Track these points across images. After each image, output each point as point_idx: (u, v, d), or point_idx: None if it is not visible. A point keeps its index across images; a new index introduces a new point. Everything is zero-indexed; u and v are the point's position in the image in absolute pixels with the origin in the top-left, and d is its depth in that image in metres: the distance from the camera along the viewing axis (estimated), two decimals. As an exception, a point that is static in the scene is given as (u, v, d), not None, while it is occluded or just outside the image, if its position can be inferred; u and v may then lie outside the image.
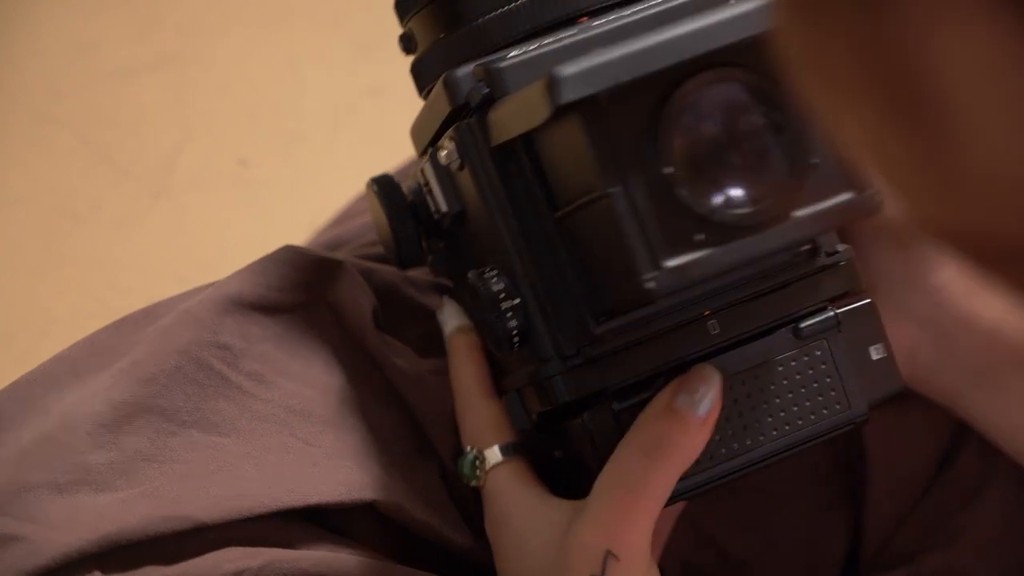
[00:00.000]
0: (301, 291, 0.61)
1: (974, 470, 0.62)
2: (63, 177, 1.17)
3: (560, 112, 0.45)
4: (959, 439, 0.62)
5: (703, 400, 0.51)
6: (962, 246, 0.26)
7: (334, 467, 0.58)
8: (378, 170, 0.85)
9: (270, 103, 1.24)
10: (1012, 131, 0.23)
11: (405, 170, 0.76)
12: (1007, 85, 0.22)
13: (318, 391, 0.59)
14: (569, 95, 0.45)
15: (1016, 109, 0.23)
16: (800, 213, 0.47)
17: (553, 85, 0.45)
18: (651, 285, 0.45)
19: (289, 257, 0.62)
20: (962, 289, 0.58)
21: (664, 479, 0.51)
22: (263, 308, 0.60)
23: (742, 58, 0.47)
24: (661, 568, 0.55)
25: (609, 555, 0.50)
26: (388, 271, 0.65)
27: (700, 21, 0.45)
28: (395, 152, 0.84)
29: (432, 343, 0.62)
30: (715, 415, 0.51)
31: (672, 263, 0.45)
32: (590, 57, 0.45)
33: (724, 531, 0.64)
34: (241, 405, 0.58)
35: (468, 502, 0.60)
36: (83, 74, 1.22)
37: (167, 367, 0.57)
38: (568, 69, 0.45)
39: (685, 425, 0.51)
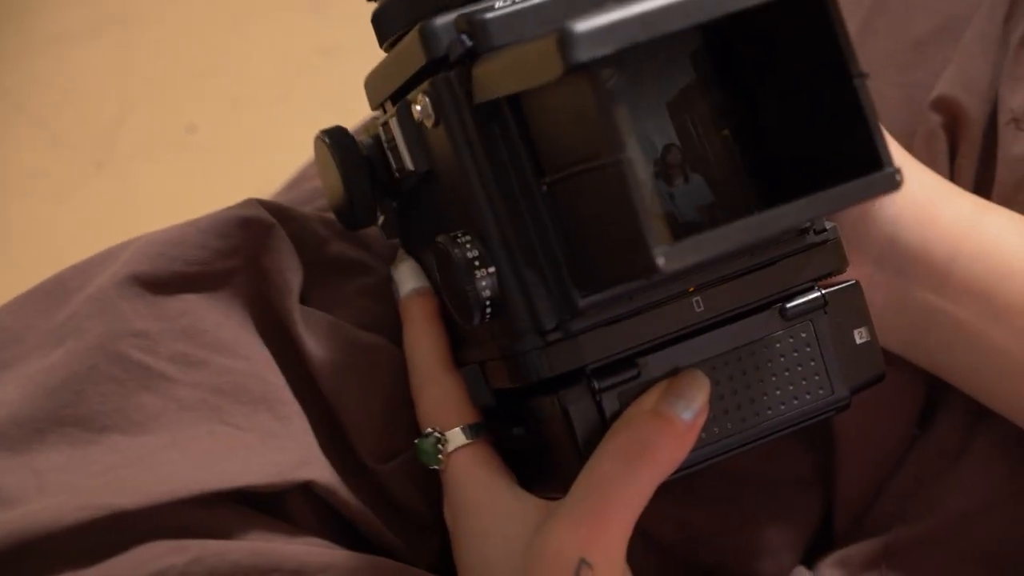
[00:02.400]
0: (226, 259, 0.57)
1: (949, 440, 0.60)
2: (0, 148, 1.14)
3: (572, 72, 0.42)
4: (934, 409, 0.61)
5: (692, 404, 0.49)
6: None
7: (268, 448, 0.54)
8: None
9: (217, 66, 1.20)
10: None
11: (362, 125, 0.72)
12: None
13: (250, 363, 0.56)
14: (583, 54, 0.41)
15: None
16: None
17: (566, 42, 0.41)
18: (661, 261, 0.42)
19: (212, 224, 0.58)
20: (916, 219, 0.56)
21: (645, 485, 0.48)
22: (181, 285, 0.56)
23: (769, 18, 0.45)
24: None
25: (583, 563, 0.48)
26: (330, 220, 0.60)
27: None
28: (350, 114, 0.81)
29: (367, 299, 0.59)
30: (702, 420, 0.49)
31: (685, 238, 0.43)
32: (605, 13, 0.42)
33: (690, 505, 0.62)
34: (165, 395, 0.54)
35: (405, 496, 0.57)
36: (19, 40, 1.18)
37: (80, 370, 0.54)
38: (582, 25, 0.42)
39: (671, 429, 0.48)
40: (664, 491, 0.59)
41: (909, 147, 0.60)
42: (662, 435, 0.48)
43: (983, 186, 0.61)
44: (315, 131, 0.80)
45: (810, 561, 0.62)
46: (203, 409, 0.55)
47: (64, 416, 0.53)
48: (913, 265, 0.56)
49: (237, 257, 0.57)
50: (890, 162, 0.45)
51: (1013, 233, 0.56)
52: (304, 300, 0.58)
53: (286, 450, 0.55)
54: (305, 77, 1.16)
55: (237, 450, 0.54)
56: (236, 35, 1.22)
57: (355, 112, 0.71)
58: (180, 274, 0.56)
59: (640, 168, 0.44)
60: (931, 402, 0.61)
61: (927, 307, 0.57)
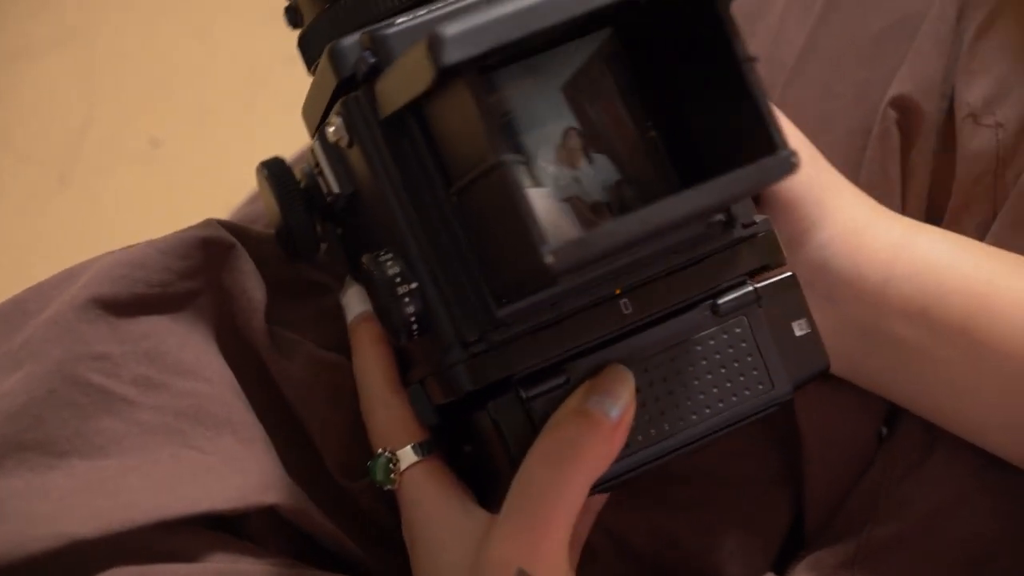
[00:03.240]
0: (187, 280, 0.57)
1: (916, 438, 0.60)
2: (-41, 165, 1.12)
3: (445, 75, 0.42)
4: (898, 407, 0.60)
5: (617, 401, 0.48)
6: None
7: (231, 471, 0.54)
8: (298, 142, 0.81)
9: (180, 77, 1.19)
10: None
11: (302, 155, 0.71)
12: None
13: (213, 385, 0.56)
14: (453, 56, 0.41)
15: None
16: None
17: (435, 46, 0.42)
18: (550, 260, 0.42)
19: (172, 245, 0.57)
20: (846, 243, 0.56)
21: (577, 487, 0.48)
22: (142, 307, 0.55)
23: (627, 16, 0.45)
24: (591, 542, 0.53)
25: (521, 573, 0.47)
26: None
27: None
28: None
29: (329, 320, 0.58)
30: (629, 417, 0.49)
31: (574, 238, 0.42)
32: (473, 16, 0.42)
33: (661, 511, 0.62)
34: (127, 419, 0.54)
35: (374, 513, 0.57)
36: (-23, 54, 1.16)
37: (39, 394, 0.53)
38: (451, 28, 0.42)
39: (598, 428, 0.48)
40: (635, 498, 0.59)
41: (864, 145, 0.61)
42: (589, 435, 0.48)
43: (939, 182, 0.61)
44: (280, 140, 0.79)
45: (782, 564, 0.61)
46: (165, 433, 0.54)
47: (23, 441, 0.52)
48: (847, 289, 0.56)
49: (198, 278, 0.57)
50: (784, 145, 0.44)
51: (946, 251, 0.56)
52: (266, 320, 0.58)
53: (249, 473, 0.54)
54: (270, 87, 1.15)
55: (200, 474, 0.54)
56: (199, 46, 1.21)
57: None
58: (141, 296, 0.56)
59: (537, 166, 0.44)
60: (890, 404, 0.60)
61: (865, 330, 0.57)
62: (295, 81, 0.59)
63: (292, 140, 0.84)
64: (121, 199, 1.13)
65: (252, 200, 0.80)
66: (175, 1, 1.24)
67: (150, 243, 0.57)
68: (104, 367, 0.54)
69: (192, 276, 0.57)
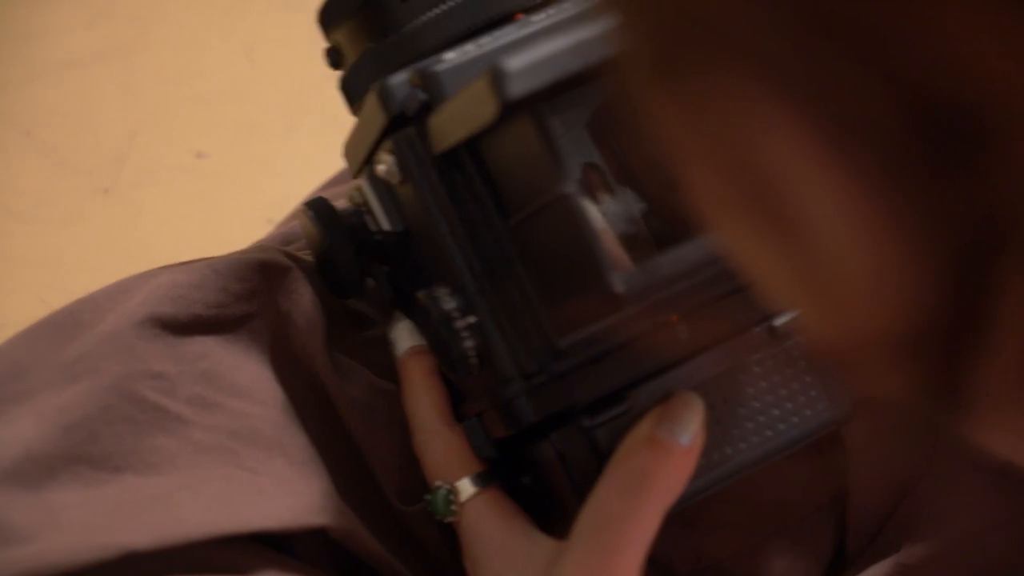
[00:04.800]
0: (245, 303, 0.57)
1: (960, 459, 0.59)
2: (6, 174, 1.12)
3: (509, 109, 0.42)
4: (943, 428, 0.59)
5: (687, 428, 0.48)
6: (839, 357, 0.25)
7: (283, 493, 0.54)
8: (340, 162, 0.81)
9: (226, 91, 1.19)
10: (853, 233, 0.22)
11: (325, 189, 0.72)
12: (833, 192, 0.21)
13: (267, 407, 0.56)
14: (517, 89, 0.41)
15: (851, 211, 0.22)
16: None
17: (498, 80, 0.41)
18: (620, 288, 0.42)
19: (230, 266, 0.57)
20: None
21: (650, 516, 0.47)
22: (199, 327, 0.56)
23: None
24: None
25: None
26: None
27: None
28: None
29: (376, 350, 0.59)
30: (700, 443, 0.48)
31: (642, 262, 0.43)
32: (534, 48, 0.42)
33: (703, 533, 0.61)
34: (182, 437, 0.54)
35: (427, 539, 0.57)
36: (27, 65, 1.17)
37: (95, 409, 0.53)
38: (514, 62, 0.42)
39: (669, 456, 0.47)
40: (676, 520, 0.59)
41: None
42: (661, 463, 0.47)
43: None
44: (324, 156, 0.79)
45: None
46: (218, 452, 0.54)
47: (78, 455, 0.52)
48: None
49: (255, 300, 0.57)
50: None
51: None
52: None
53: (301, 494, 0.54)
54: (314, 102, 1.15)
55: (252, 494, 0.54)
56: (246, 61, 1.21)
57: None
58: (199, 317, 0.56)
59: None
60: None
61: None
62: (337, 103, 0.60)
63: (334, 160, 0.84)
64: (164, 210, 1.13)
65: (291, 218, 0.80)
66: (223, 18, 1.24)
67: (208, 263, 0.57)
68: (160, 385, 0.54)
69: (249, 298, 0.57)
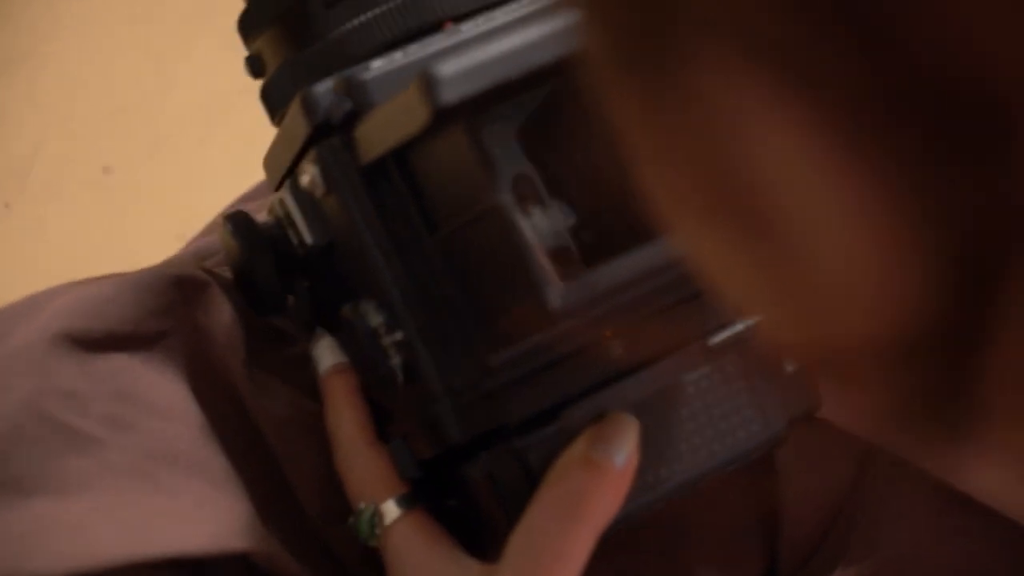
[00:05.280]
0: (161, 318, 0.55)
1: (891, 478, 0.60)
2: (-98, 188, 1.09)
3: (440, 116, 0.41)
4: (871, 447, 0.60)
5: (622, 448, 0.47)
6: (816, 363, 0.24)
7: (202, 515, 0.53)
8: (254, 175, 0.79)
9: (134, 104, 1.17)
10: (841, 233, 0.21)
11: (243, 203, 0.71)
12: (823, 184, 0.20)
13: (185, 426, 0.54)
14: (449, 96, 0.40)
15: (841, 208, 0.20)
16: None
17: (430, 86, 0.41)
18: (556, 303, 0.41)
19: (146, 281, 0.55)
20: None
21: (584, 539, 0.47)
22: (113, 344, 0.54)
23: None
24: None
25: None
26: None
27: None
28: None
29: (295, 368, 0.57)
30: (634, 464, 0.48)
31: (579, 276, 0.42)
32: (467, 54, 0.41)
33: (630, 555, 0.60)
34: (95, 458, 0.52)
35: (350, 561, 0.55)
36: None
37: (4, 430, 0.51)
38: (446, 68, 0.41)
39: (604, 477, 0.47)
40: (602, 542, 0.58)
41: None
42: (595, 484, 0.47)
43: None
44: (236, 172, 0.77)
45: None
46: (134, 474, 0.53)
47: None
48: None
49: (172, 316, 0.55)
50: None
51: None
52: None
53: (221, 518, 0.53)
54: (226, 116, 1.14)
55: (170, 517, 0.52)
56: (155, 73, 1.19)
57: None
58: (113, 332, 0.54)
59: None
60: (867, 444, 0.60)
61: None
62: (252, 115, 0.58)
63: (248, 171, 0.82)
64: (69, 226, 1.11)
65: (207, 231, 0.79)
66: (132, 28, 1.22)
67: (123, 278, 0.56)
68: (72, 404, 0.52)
69: (165, 314, 0.55)
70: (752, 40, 0.20)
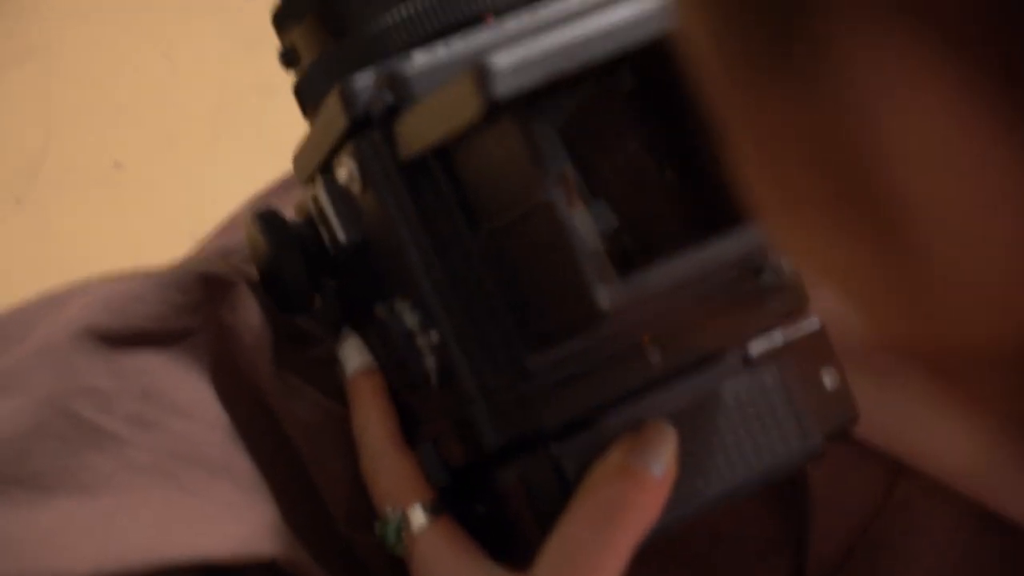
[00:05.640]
0: (188, 316, 0.55)
1: (921, 495, 0.59)
2: (-89, 181, 1.09)
3: (493, 110, 0.40)
4: (902, 465, 0.59)
5: (660, 458, 0.47)
6: (928, 361, 0.23)
7: (228, 519, 0.52)
8: (268, 174, 0.78)
9: (145, 99, 1.17)
10: (983, 223, 0.19)
11: (267, 197, 0.71)
12: (971, 168, 0.19)
13: (210, 427, 0.54)
14: (503, 89, 0.40)
15: (987, 196, 0.19)
16: None
17: (484, 78, 0.40)
18: (605, 303, 0.41)
19: (172, 278, 0.55)
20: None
21: (621, 550, 0.46)
22: (139, 341, 0.53)
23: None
24: None
25: None
26: None
27: (642, 5, 0.42)
28: (286, 156, 0.78)
29: (321, 369, 0.57)
30: (672, 474, 0.47)
31: (627, 276, 0.42)
32: (523, 47, 0.41)
33: (660, 566, 0.60)
34: (118, 456, 0.52)
35: (376, 568, 0.55)
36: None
37: (27, 426, 0.50)
38: (501, 59, 0.40)
39: (642, 487, 0.46)
40: (635, 552, 0.58)
41: None
42: (633, 494, 0.46)
43: None
44: (249, 170, 0.76)
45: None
46: (157, 473, 0.52)
47: (7, 474, 0.50)
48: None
49: (198, 314, 0.55)
50: None
51: None
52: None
53: (247, 522, 0.52)
54: (239, 114, 1.13)
55: (195, 519, 0.51)
56: (168, 69, 1.18)
57: (292, 154, 0.70)
58: (139, 330, 0.54)
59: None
60: (897, 462, 0.59)
61: (878, 378, 0.56)
62: (264, 111, 0.57)
63: (261, 170, 0.81)
64: (80, 222, 1.10)
65: (222, 231, 0.78)
66: (143, 21, 1.21)
67: (148, 275, 0.55)
68: (96, 402, 0.52)
69: (192, 312, 0.55)
70: (923, 18, 0.18)
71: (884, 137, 0.20)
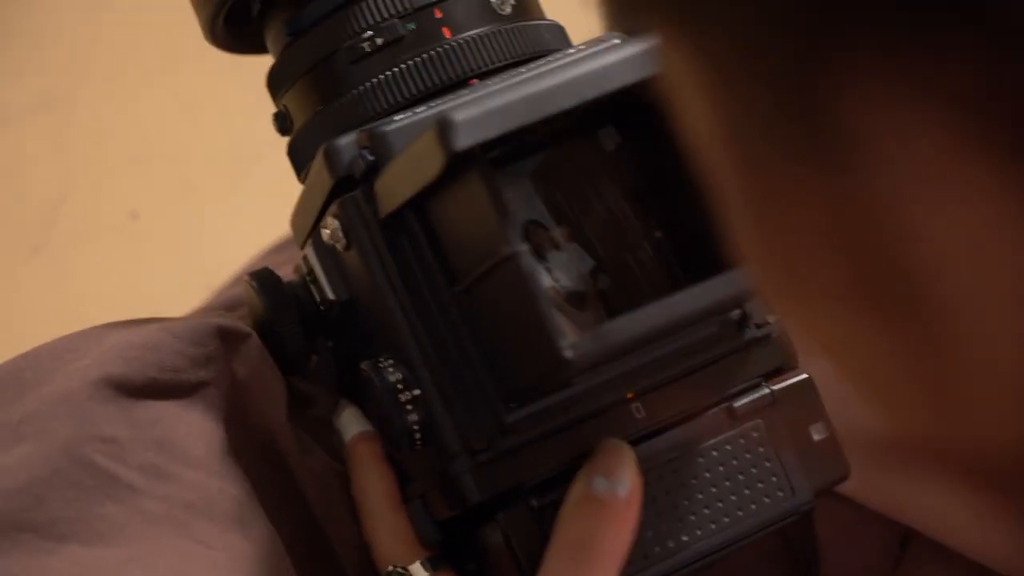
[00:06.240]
0: (202, 368, 0.55)
1: (929, 555, 0.58)
2: (-72, 230, 1.10)
3: (455, 162, 0.41)
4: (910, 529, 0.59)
5: (622, 478, 0.47)
6: (960, 466, 0.22)
7: (238, 570, 0.52)
8: (281, 225, 0.79)
9: (163, 150, 1.17)
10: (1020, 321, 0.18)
11: (268, 257, 0.71)
12: (1011, 261, 0.18)
13: (223, 479, 0.54)
14: (465, 140, 0.41)
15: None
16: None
17: (446, 130, 0.41)
18: (569, 354, 0.41)
19: (187, 330, 0.55)
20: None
21: None
22: (154, 392, 0.53)
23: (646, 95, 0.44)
24: None
25: None
26: None
27: (606, 58, 0.43)
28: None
29: (320, 429, 0.57)
30: (638, 491, 0.47)
31: (594, 329, 0.42)
32: (481, 102, 0.42)
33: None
34: (132, 507, 0.52)
35: None
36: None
37: (42, 473, 0.50)
38: (461, 113, 0.41)
39: (610, 511, 0.46)
40: None
41: None
42: (604, 521, 0.46)
43: None
44: (264, 221, 0.77)
45: None
46: (171, 524, 0.52)
47: (22, 521, 0.50)
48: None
49: (212, 367, 0.55)
50: None
51: None
52: None
53: (258, 574, 0.52)
54: (256, 165, 1.13)
55: (206, 570, 0.51)
56: (185, 120, 1.19)
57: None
58: (154, 380, 0.54)
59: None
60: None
61: (879, 444, 0.55)
62: (280, 164, 0.58)
63: (276, 220, 0.81)
64: (96, 272, 1.11)
65: (234, 283, 0.78)
66: (161, 74, 1.22)
67: (163, 325, 0.55)
68: (112, 451, 0.52)
69: (206, 364, 0.55)
70: (933, 82, 0.17)
71: (916, 224, 0.19)
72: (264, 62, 0.54)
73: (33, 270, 1.10)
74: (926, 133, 0.18)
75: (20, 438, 0.51)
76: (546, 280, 0.46)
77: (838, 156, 0.19)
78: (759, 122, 0.20)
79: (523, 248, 0.42)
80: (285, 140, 0.55)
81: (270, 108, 0.56)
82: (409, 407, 0.47)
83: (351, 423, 0.54)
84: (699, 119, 0.21)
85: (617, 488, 0.46)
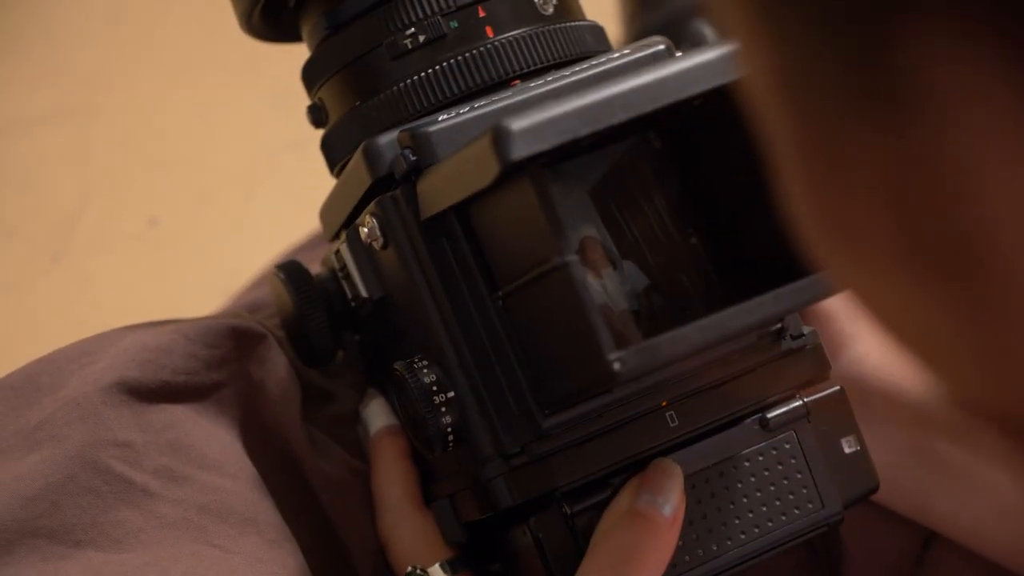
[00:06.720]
0: (216, 370, 0.55)
1: (953, 562, 0.58)
2: (-53, 239, 1.10)
3: (509, 171, 0.41)
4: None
5: (669, 498, 0.47)
6: (1016, 431, 0.22)
7: (255, 573, 0.52)
8: (299, 230, 0.79)
9: (181, 158, 1.17)
10: None
11: (295, 254, 0.71)
12: None
13: (238, 481, 0.53)
14: (520, 150, 0.40)
15: None
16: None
17: (501, 139, 0.40)
18: (617, 366, 0.41)
19: (200, 332, 0.55)
20: (883, 360, 0.55)
21: None
22: (168, 395, 0.53)
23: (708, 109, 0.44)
24: None
25: None
26: None
27: (661, 71, 0.42)
28: (318, 213, 0.79)
29: (340, 428, 0.57)
30: (682, 513, 0.47)
31: (642, 342, 0.42)
32: (540, 110, 0.41)
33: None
34: (147, 511, 0.51)
35: None
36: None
37: (57, 479, 0.50)
38: (518, 122, 0.41)
39: (654, 528, 0.46)
40: None
41: None
42: (646, 537, 0.46)
43: None
44: (282, 227, 0.77)
45: None
46: (186, 528, 0.52)
47: (37, 528, 0.50)
48: (884, 405, 0.54)
49: (226, 369, 0.55)
50: None
51: None
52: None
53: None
54: (273, 171, 1.14)
55: (222, 574, 0.51)
56: (202, 127, 1.19)
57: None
58: (167, 383, 0.54)
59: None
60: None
61: (903, 449, 0.55)
62: (298, 169, 0.58)
63: (294, 226, 0.82)
64: (116, 279, 1.11)
65: (255, 286, 0.78)
66: (179, 81, 1.22)
67: (177, 327, 0.55)
68: (126, 455, 0.52)
69: (220, 366, 0.55)
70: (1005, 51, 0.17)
71: (979, 186, 0.18)
72: (281, 67, 0.54)
73: (53, 278, 1.11)
74: (996, 94, 0.17)
75: (36, 444, 0.51)
76: (599, 297, 0.45)
77: (904, 115, 0.19)
78: (821, 81, 0.20)
79: (574, 258, 0.42)
80: (303, 146, 0.55)
81: (286, 114, 0.55)
82: (443, 409, 0.47)
83: (378, 415, 0.54)
84: (760, 76, 0.21)
85: (664, 507, 0.46)
